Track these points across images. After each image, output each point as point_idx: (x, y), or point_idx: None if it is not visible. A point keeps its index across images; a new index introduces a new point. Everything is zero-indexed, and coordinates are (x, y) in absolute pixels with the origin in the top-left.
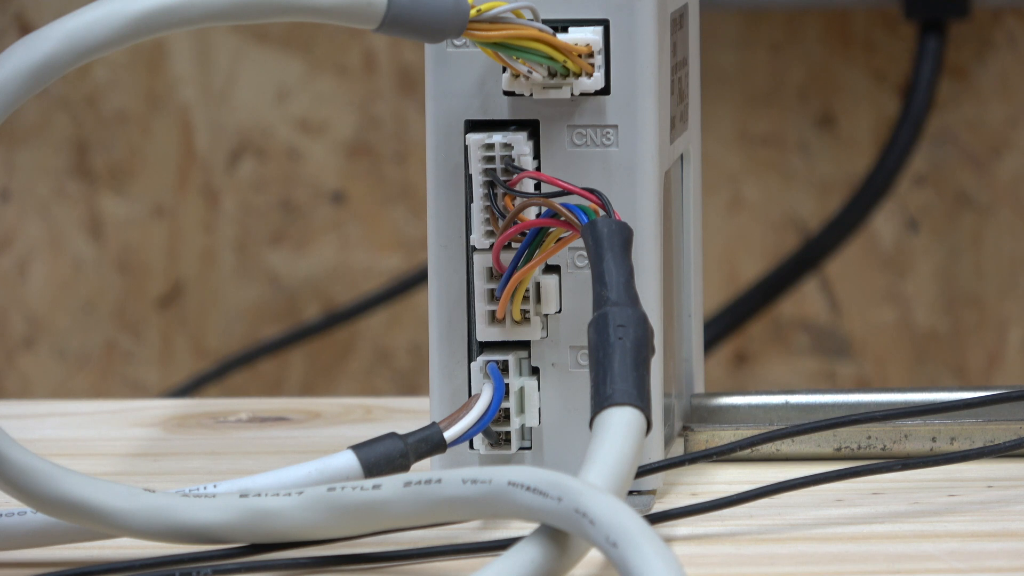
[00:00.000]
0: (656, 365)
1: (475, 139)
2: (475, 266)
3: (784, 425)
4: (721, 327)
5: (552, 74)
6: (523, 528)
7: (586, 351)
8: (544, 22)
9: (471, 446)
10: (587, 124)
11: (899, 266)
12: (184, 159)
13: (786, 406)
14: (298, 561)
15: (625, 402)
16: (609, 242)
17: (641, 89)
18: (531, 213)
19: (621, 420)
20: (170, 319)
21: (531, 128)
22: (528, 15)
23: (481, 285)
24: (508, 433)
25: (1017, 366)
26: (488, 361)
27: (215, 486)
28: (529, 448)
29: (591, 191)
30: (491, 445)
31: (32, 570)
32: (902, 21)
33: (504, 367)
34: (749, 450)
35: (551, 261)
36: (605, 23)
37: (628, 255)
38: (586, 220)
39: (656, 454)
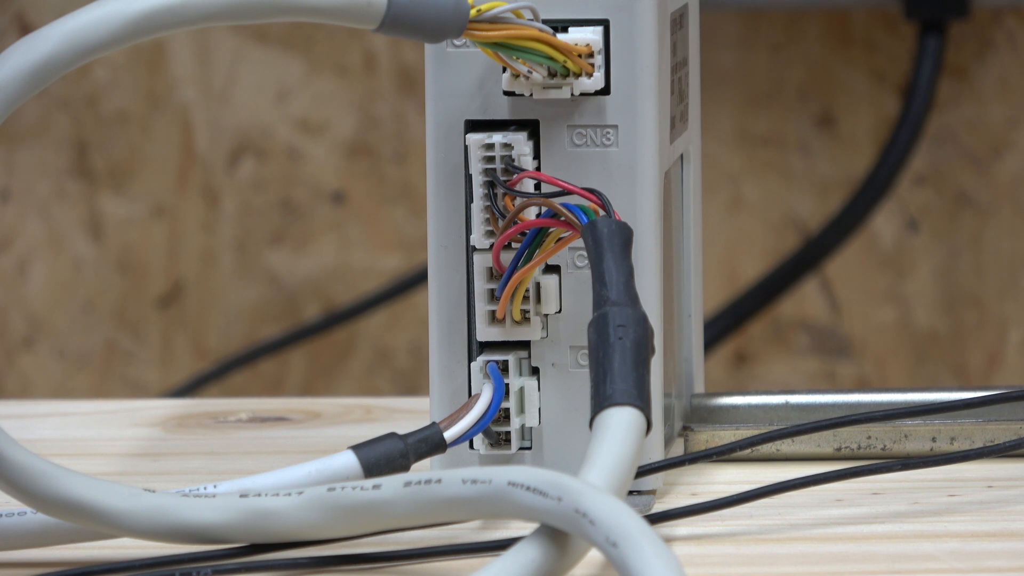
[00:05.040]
0: (656, 365)
1: (475, 139)
2: (475, 266)
3: (784, 425)
4: (721, 327)
5: (552, 74)
6: (523, 528)
7: (586, 351)
8: (544, 22)
9: (471, 446)
10: (587, 124)
11: (899, 266)
12: (184, 159)
13: (786, 406)
14: (298, 561)
15: (625, 402)
16: (609, 242)
17: (641, 89)
18: (531, 213)
19: (621, 420)
20: (170, 319)
21: (531, 128)
22: (528, 15)
23: (481, 285)
24: (508, 433)
25: (1017, 366)
26: (488, 361)
27: (215, 486)
28: (529, 448)
29: (591, 191)
30: (491, 445)
31: (32, 570)
32: (902, 21)
33: (504, 367)
34: (749, 450)
35: (551, 261)
36: (605, 23)
37: (628, 255)
38: (586, 220)
39: (656, 454)
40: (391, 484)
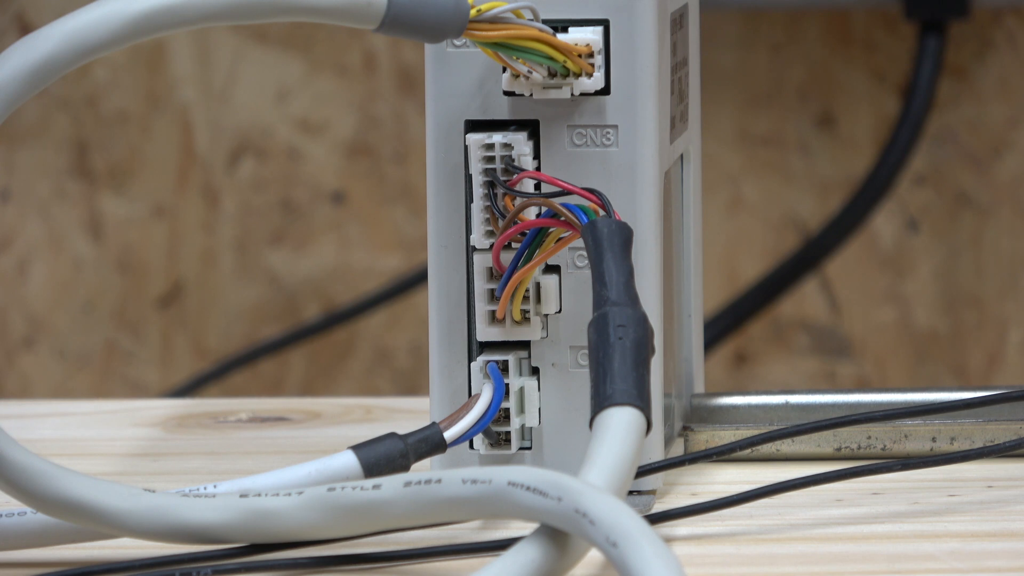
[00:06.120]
0: (656, 365)
1: (475, 139)
2: (475, 266)
3: (784, 425)
4: (721, 327)
5: (552, 74)
6: (523, 528)
7: (586, 351)
8: (544, 22)
9: (471, 446)
10: (587, 124)
11: (899, 266)
12: (184, 159)
13: (786, 406)
14: (298, 561)
15: (625, 402)
16: (609, 242)
17: (641, 89)
18: (531, 213)
19: (621, 420)
20: (170, 319)
21: (531, 128)
22: (528, 15)
23: (481, 285)
24: (508, 433)
25: (1017, 366)
26: (488, 361)
27: (215, 486)
28: (529, 448)
29: (591, 191)
30: (491, 445)
31: (32, 570)
32: (902, 21)
33: (504, 367)
34: (749, 450)
35: (551, 261)
36: (605, 23)
37: (628, 255)
38: (586, 220)
39: (656, 454)
40: (391, 484)
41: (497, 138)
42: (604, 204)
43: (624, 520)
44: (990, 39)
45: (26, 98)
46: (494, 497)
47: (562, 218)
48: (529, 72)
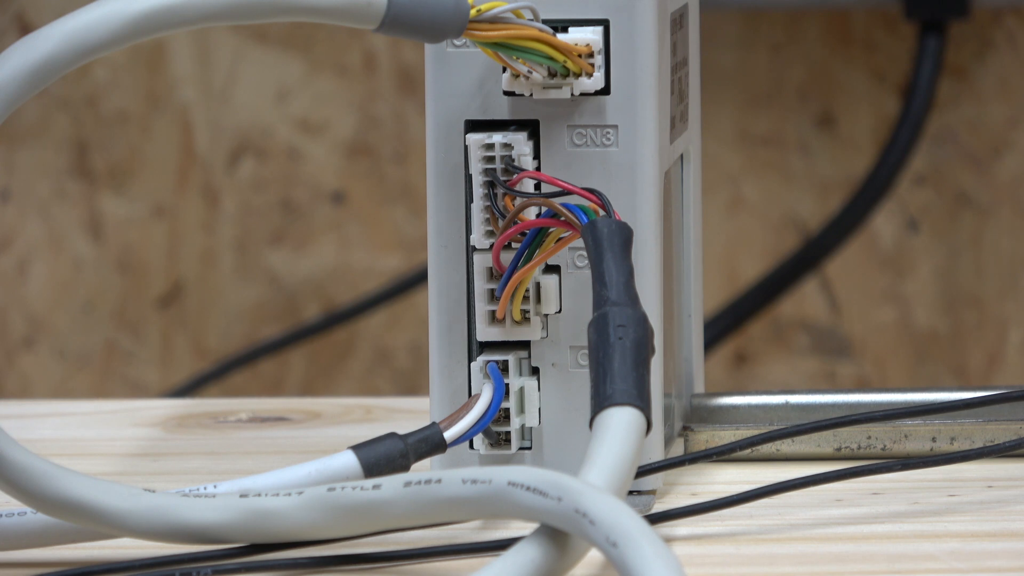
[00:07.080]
0: (656, 365)
1: (475, 139)
2: (475, 266)
3: (784, 425)
4: (721, 327)
5: (552, 74)
6: (523, 528)
7: (586, 351)
8: (544, 22)
9: (471, 446)
10: (587, 124)
11: (899, 266)
12: (184, 159)
13: (786, 406)
14: (298, 561)
15: (625, 402)
16: (609, 242)
17: (641, 89)
18: (531, 213)
19: (621, 420)
20: (170, 319)
21: (531, 128)
22: (528, 15)
23: (481, 285)
24: (508, 433)
25: (1017, 366)
26: (488, 361)
27: (215, 486)
28: (529, 448)
29: (591, 191)
30: (491, 445)
31: (32, 570)
32: (902, 21)
33: (504, 367)
34: (749, 450)
35: (551, 261)
36: (605, 23)
37: (628, 255)
38: (586, 220)
39: (656, 454)
40: (391, 484)
41: (497, 138)
42: (604, 204)
43: (624, 520)
44: (990, 39)
45: (26, 98)
46: (494, 497)
47: (562, 218)
48: (529, 72)
